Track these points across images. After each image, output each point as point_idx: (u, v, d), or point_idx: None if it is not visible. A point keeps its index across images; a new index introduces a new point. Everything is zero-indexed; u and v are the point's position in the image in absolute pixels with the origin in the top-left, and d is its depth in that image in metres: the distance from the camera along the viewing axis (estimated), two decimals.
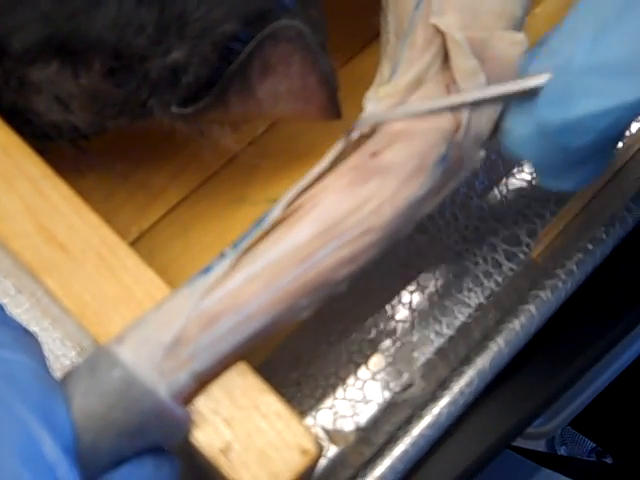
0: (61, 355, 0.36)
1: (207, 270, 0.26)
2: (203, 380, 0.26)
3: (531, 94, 0.26)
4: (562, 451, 1.08)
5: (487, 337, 0.34)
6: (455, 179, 0.29)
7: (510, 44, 0.29)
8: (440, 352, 0.37)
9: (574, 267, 0.35)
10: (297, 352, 0.37)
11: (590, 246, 0.36)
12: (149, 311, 0.26)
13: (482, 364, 0.34)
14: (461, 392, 0.33)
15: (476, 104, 0.28)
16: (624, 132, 0.27)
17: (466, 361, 0.34)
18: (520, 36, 0.29)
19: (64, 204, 0.27)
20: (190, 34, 0.28)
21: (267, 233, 0.27)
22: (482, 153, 0.30)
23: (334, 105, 0.30)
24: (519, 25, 0.30)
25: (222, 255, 0.27)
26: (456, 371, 0.34)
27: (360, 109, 0.29)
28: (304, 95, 0.29)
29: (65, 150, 0.32)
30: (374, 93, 0.29)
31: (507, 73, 0.29)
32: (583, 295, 0.37)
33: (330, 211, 0.27)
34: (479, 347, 0.34)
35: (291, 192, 0.27)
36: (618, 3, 0.24)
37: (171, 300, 0.26)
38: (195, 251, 0.32)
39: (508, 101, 0.28)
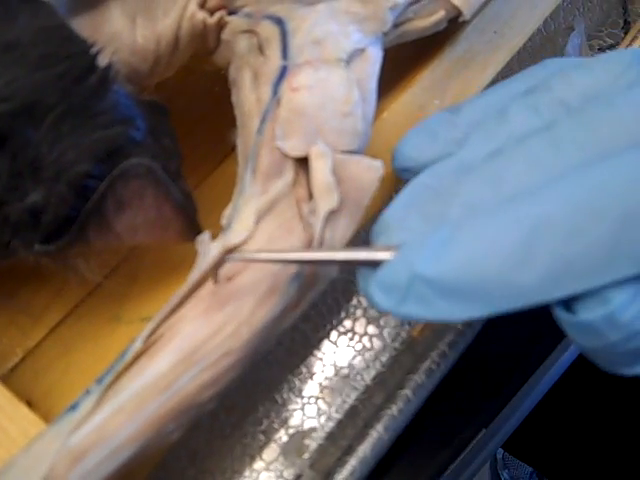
0: None
1: (74, 407, 0.28)
2: None
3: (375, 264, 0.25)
4: (505, 475, 1.10)
5: (368, 424, 0.36)
6: (312, 291, 0.31)
7: (367, 169, 0.31)
8: (330, 437, 0.38)
9: (446, 348, 0.37)
10: (193, 449, 0.38)
11: (460, 326, 0.38)
12: (18, 454, 0.27)
13: (364, 452, 0.35)
14: None
15: (330, 221, 0.30)
16: None
17: (349, 450, 0.35)
18: (377, 163, 0.31)
19: None
20: (45, 177, 0.29)
21: (130, 365, 0.28)
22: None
23: (193, 228, 0.31)
24: (364, 138, 0.32)
25: (87, 392, 0.28)
26: (340, 461, 0.35)
27: None
28: (161, 225, 0.30)
29: None
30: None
31: (361, 197, 0.30)
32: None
33: (189, 339, 0.28)
34: (361, 435, 0.35)
35: (151, 323, 0.29)
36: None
37: (39, 441, 0.27)
38: (76, 373, 0.33)
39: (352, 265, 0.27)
